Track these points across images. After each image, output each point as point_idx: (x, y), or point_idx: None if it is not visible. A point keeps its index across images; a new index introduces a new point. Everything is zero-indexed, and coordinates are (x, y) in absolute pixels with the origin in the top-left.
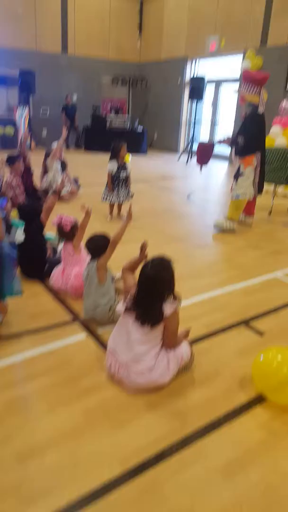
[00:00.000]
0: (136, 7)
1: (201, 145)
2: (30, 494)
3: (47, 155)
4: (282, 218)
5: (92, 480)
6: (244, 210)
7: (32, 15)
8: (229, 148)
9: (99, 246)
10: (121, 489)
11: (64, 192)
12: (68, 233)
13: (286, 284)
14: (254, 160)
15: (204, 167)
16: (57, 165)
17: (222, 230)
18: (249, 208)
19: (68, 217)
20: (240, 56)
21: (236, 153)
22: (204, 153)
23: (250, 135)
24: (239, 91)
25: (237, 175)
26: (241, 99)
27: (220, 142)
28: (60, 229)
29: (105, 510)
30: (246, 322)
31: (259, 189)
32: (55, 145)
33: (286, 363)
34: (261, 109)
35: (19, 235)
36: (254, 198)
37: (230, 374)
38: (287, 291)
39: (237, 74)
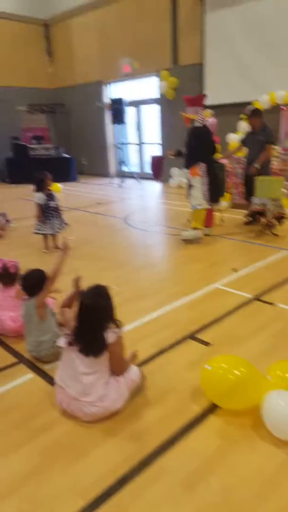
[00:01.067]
0: (41, 31)
1: (154, 158)
2: None
3: None
4: (217, 231)
5: None
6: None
7: None
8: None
9: (35, 283)
10: None
11: None
12: (11, 276)
13: (226, 292)
14: (198, 170)
15: (159, 178)
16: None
17: (189, 241)
18: (206, 220)
19: (10, 261)
20: (156, 77)
21: (184, 166)
22: (157, 165)
23: (191, 147)
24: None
25: (189, 187)
26: (185, 120)
27: (167, 154)
28: (5, 273)
29: None
30: (192, 336)
31: (213, 199)
32: None
33: (231, 370)
34: (199, 124)
35: None
36: (209, 210)
37: (182, 388)
38: (227, 299)
39: (156, 94)
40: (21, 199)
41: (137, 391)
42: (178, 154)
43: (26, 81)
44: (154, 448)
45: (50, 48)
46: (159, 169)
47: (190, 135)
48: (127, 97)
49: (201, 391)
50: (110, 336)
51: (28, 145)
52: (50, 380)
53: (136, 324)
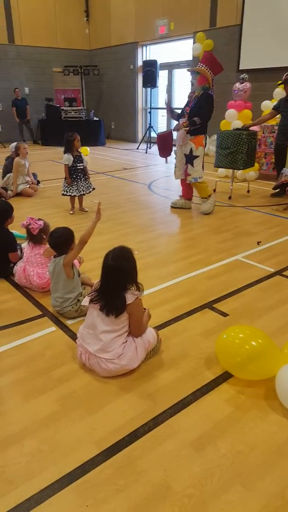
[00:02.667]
0: None
1: (160, 136)
2: (12, 478)
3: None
4: (242, 202)
5: (71, 463)
6: (184, 194)
7: None
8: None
9: (62, 242)
10: (98, 468)
11: (21, 188)
12: (36, 236)
13: (247, 265)
14: (204, 141)
15: (168, 157)
16: (26, 163)
17: (210, 213)
18: (186, 192)
19: (37, 221)
20: (191, 40)
21: (189, 132)
22: (165, 144)
23: (203, 115)
24: (194, 71)
25: (191, 158)
26: (201, 79)
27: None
28: (29, 231)
29: (84, 488)
30: (210, 305)
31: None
32: (13, 145)
33: (248, 340)
34: (212, 91)
35: None
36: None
37: (196, 354)
38: (248, 272)
39: (189, 57)
40: (51, 161)
41: (153, 353)
42: (193, 124)
43: (63, 42)
44: (166, 408)
45: (88, 9)
46: (167, 148)
47: (205, 102)
48: (160, 59)
49: (215, 359)
50: (130, 297)
51: (61, 107)
52: (71, 334)
53: (154, 289)
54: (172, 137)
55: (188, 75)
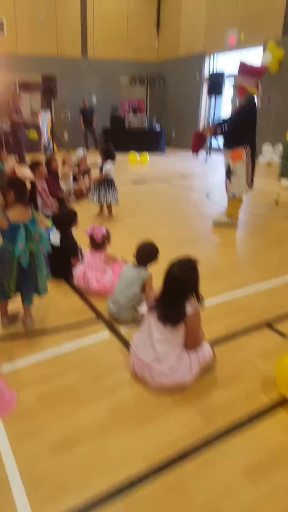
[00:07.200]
0: (154, 6)
1: (196, 133)
2: (63, 484)
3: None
4: None
5: (118, 475)
6: None
7: (53, 22)
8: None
9: (147, 255)
10: (145, 486)
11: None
12: (99, 243)
13: None
14: (243, 154)
15: (198, 154)
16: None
17: (220, 225)
18: None
19: (100, 228)
20: (260, 49)
21: (224, 145)
22: (197, 141)
23: (242, 125)
24: (235, 83)
25: (228, 173)
26: (240, 90)
27: (206, 131)
28: (92, 238)
29: (131, 503)
30: (268, 324)
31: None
32: (80, 152)
33: None
34: (258, 102)
35: (56, 238)
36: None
37: (252, 376)
38: None
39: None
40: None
41: (207, 369)
42: (215, 131)
43: (133, 54)
44: (218, 430)
45: (159, 22)
46: (198, 143)
47: (244, 111)
48: (227, 69)
49: (272, 383)
50: (189, 309)
51: (124, 117)
52: (124, 341)
53: (209, 302)
54: (205, 137)
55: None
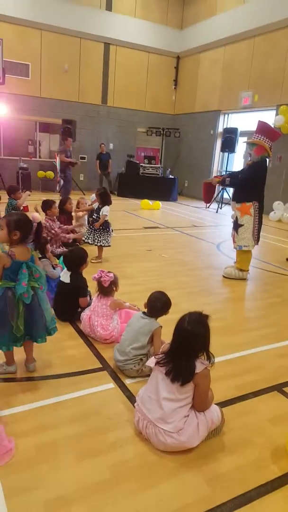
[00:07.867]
0: (173, 63)
1: (205, 183)
2: None
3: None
4: None
5: None
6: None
7: (76, 71)
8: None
9: (160, 307)
10: None
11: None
12: (106, 288)
13: None
14: (251, 209)
15: (210, 205)
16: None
17: (230, 278)
18: None
19: (108, 274)
20: (273, 111)
21: (234, 198)
22: (207, 191)
23: (253, 181)
24: (253, 141)
25: (236, 226)
26: (258, 150)
27: (214, 180)
28: (100, 284)
29: None
30: (280, 388)
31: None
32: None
33: None
34: (270, 163)
35: (65, 276)
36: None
37: (262, 443)
38: None
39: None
40: (124, 211)
41: (215, 433)
42: (224, 181)
43: (150, 106)
44: (226, 501)
45: (177, 79)
46: (208, 193)
47: (256, 168)
48: (241, 126)
49: (283, 452)
50: (199, 366)
51: (140, 164)
52: (129, 394)
53: (218, 360)
54: (214, 187)
55: None
